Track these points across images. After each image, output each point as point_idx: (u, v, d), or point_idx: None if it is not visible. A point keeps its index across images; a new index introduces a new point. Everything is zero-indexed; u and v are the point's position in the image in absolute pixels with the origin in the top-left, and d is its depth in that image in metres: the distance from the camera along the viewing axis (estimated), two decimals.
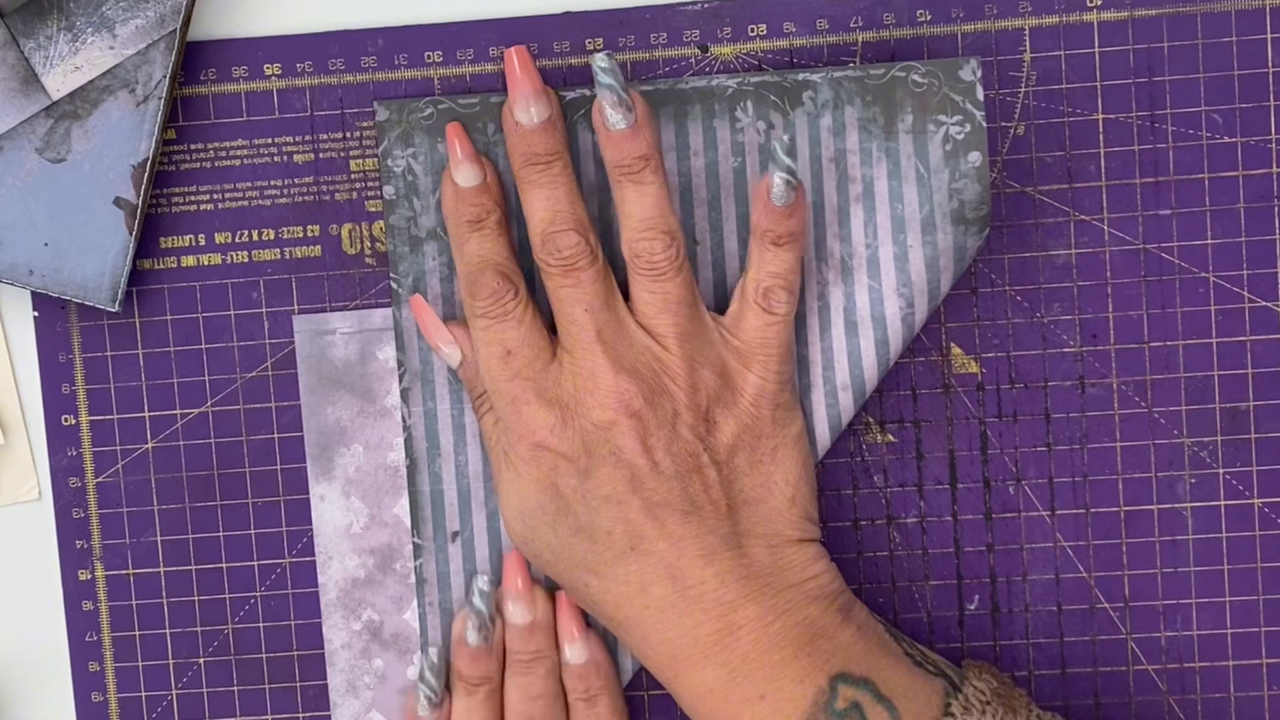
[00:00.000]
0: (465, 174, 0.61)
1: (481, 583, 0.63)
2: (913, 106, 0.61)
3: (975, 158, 0.61)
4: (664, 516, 0.59)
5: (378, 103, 0.63)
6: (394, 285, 0.64)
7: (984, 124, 0.61)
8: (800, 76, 0.62)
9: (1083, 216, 0.64)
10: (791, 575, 0.60)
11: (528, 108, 0.60)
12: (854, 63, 0.64)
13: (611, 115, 0.59)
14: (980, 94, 0.61)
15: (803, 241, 0.60)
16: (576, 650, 0.63)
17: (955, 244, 0.61)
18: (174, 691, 0.66)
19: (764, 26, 0.64)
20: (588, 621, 0.63)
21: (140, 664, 0.66)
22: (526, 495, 0.60)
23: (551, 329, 0.61)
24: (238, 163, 0.65)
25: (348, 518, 0.65)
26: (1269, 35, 0.63)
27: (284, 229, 0.65)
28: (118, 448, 0.66)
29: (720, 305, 0.63)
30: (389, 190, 0.63)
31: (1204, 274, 0.64)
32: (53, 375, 0.65)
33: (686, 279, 0.60)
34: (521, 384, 0.60)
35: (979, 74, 0.61)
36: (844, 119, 0.62)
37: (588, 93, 0.63)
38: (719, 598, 0.59)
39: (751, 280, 0.60)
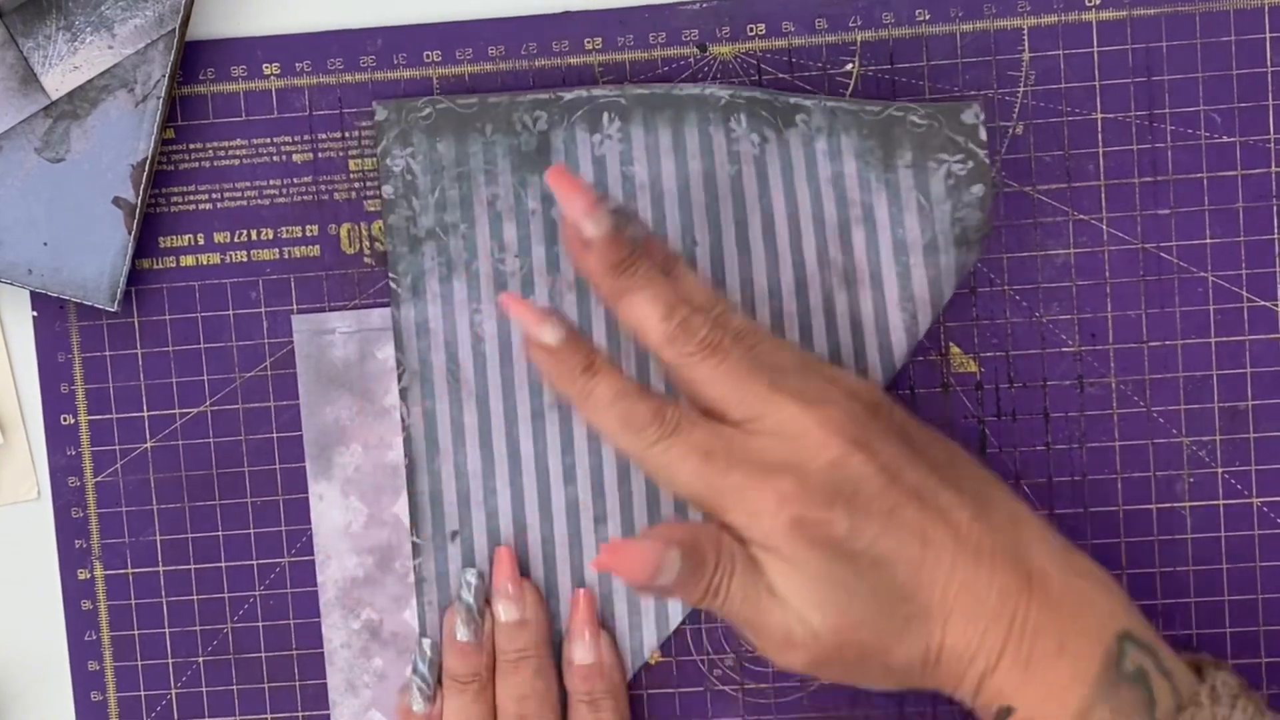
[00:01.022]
0: (556, 334, 0.58)
1: (470, 576, 0.63)
2: (911, 144, 0.61)
3: (978, 189, 0.61)
4: (926, 499, 0.57)
5: (376, 102, 0.63)
6: (393, 285, 0.64)
7: (987, 160, 0.61)
8: (792, 100, 0.62)
9: (1081, 216, 0.64)
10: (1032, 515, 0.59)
11: (595, 220, 0.57)
12: (847, 89, 0.63)
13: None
14: (983, 134, 0.61)
15: None
16: (584, 650, 0.63)
17: (958, 263, 0.62)
18: (173, 690, 0.66)
19: (763, 26, 0.64)
20: (601, 624, 0.63)
21: (139, 663, 0.66)
22: (813, 565, 0.56)
23: None
24: (236, 162, 0.65)
25: (347, 517, 0.65)
26: (1268, 34, 0.63)
27: (283, 229, 0.65)
28: (116, 447, 0.66)
29: None
30: (388, 190, 0.63)
31: (1203, 273, 0.64)
32: (52, 375, 0.65)
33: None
34: (740, 472, 0.56)
35: (981, 117, 0.61)
36: (840, 145, 0.62)
37: (585, 94, 0.63)
38: (1011, 550, 0.57)
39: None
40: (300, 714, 0.66)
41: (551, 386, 0.59)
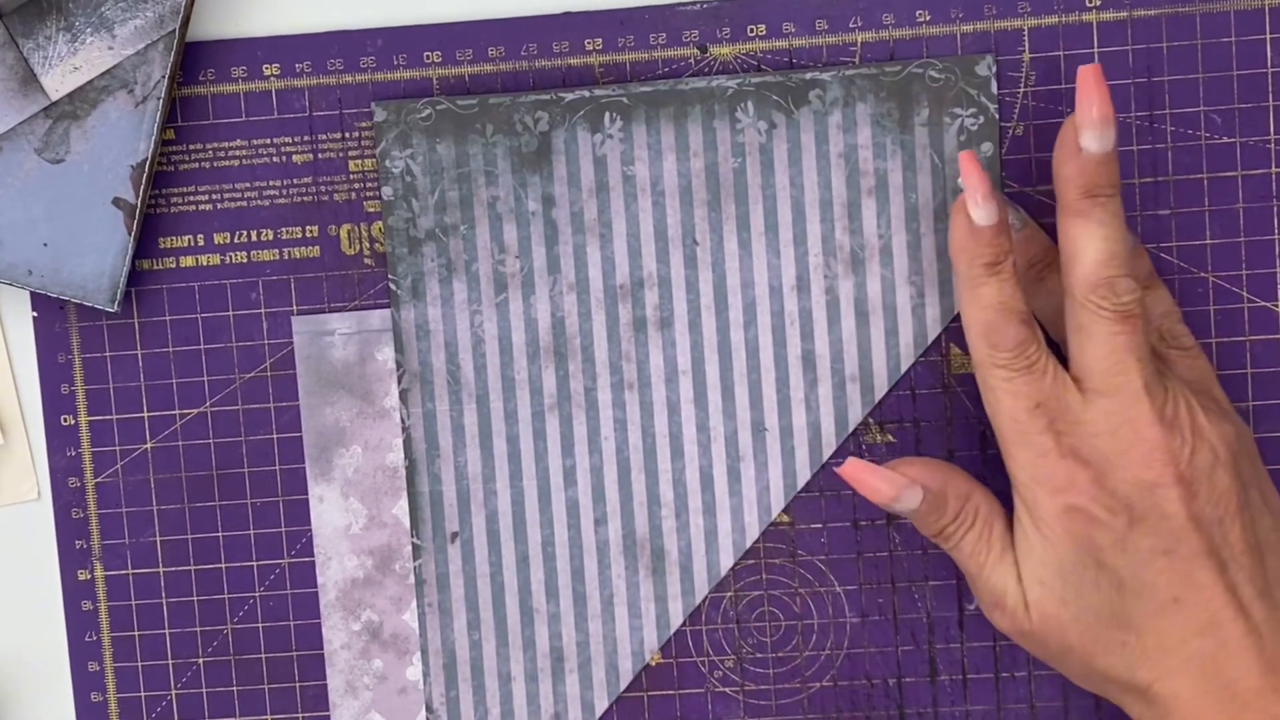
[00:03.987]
0: (986, 213, 0.58)
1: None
2: (929, 100, 0.63)
3: (987, 148, 0.63)
4: (1206, 567, 0.56)
5: (375, 103, 0.63)
6: (393, 286, 0.64)
7: (996, 116, 0.63)
8: (808, 76, 0.63)
9: None
10: None
11: (1100, 135, 0.57)
12: (852, 62, 0.64)
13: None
14: (994, 88, 0.63)
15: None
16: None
17: None
18: (173, 691, 0.66)
19: (763, 27, 0.64)
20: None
21: (140, 664, 0.66)
22: (1063, 552, 0.57)
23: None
24: (236, 163, 0.65)
25: (346, 518, 0.65)
26: (1268, 35, 0.63)
27: (283, 229, 0.65)
28: (117, 448, 0.66)
29: (721, 306, 0.63)
30: (387, 191, 0.63)
31: (1203, 274, 0.64)
32: (52, 375, 0.65)
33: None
34: (1053, 437, 0.57)
35: (994, 69, 0.62)
36: (855, 115, 0.63)
37: (586, 94, 0.63)
38: (1260, 652, 0.56)
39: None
40: (300, 715, 0.66)
41: (952, 255, 0.59)
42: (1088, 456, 0.57)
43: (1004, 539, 0.59)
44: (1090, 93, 0.57)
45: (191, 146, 0.65)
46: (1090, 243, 0.57)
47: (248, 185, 0.65)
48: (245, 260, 0.65)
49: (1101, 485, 0.56)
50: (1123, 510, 0.56)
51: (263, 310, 0.65)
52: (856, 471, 0.59)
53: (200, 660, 0.66)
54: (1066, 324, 0.58)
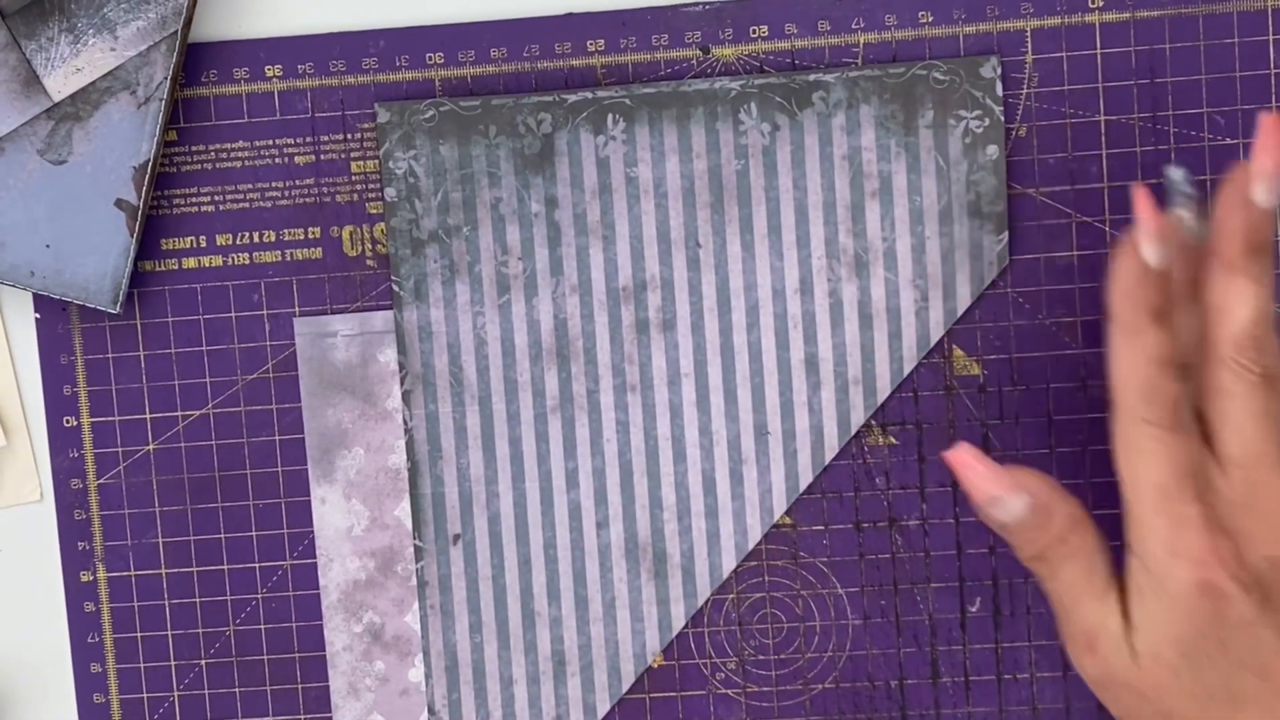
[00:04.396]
0: (1161, 253, 0.54)
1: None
2: (933, 102, 0.63)
3: (993, 150, 0.63)
4: None
5: (379, 104, 0.63)
6: (395, 288, 0.64)
7: (1002, 119, 0.63)
8: (811, 78, 0.63)
9: (1084, 218, 0.64)
10: None
11: (1273, 188, 0.54)
12: (855, 63, 0.64)
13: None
14: (999, 90, 0.62)
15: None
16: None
17: (971, 239, 0.62)
18: (176, 693, 0.66)
19: (765, 28, 0.64)
20: None
21: (142, 665, 0.66)
22: (1185, 627, 0.54)
23: None
24: (239, 164, 0.65)
25: (349, 520, 0.65)
26: (1271, 37, 0.63)
27: (285, 231, 0.65)
28: (119, 449, 0.66)
29: (724, 309, 0.63)
30: (390, 192, 0.63)
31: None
32: (54, 377, 0.65)
33: None
34: (1199, 507, 0.54)
35: (999, 71, 0.62)
36: (859, 117, 0.63)
37: (589, 95, 0.63)
38: None
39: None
40: (302, 717, 0.66)
41: (1114, 300, 0.55)
42: (1226, 531, 0.54)
43: (1108, 579, 0.56)
44: (1270, 143, 0.54)
45: (194, 148, 0.65)
46: (1245, 300, 0.54)
47: (250, 186, 0.65)
48: (247, 262, 0.65)
49: (1240, 561, 0.54)
50: (1256, 588, 0.54)
51: (265, 312, 0.65)
52: (966, 459, 0.56)
53: (202, 662, 0.66)
54: (1201, 386, 0.55)
